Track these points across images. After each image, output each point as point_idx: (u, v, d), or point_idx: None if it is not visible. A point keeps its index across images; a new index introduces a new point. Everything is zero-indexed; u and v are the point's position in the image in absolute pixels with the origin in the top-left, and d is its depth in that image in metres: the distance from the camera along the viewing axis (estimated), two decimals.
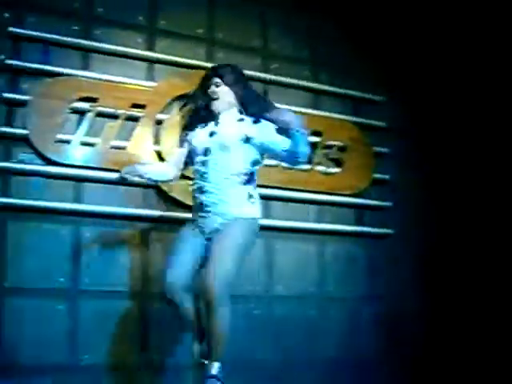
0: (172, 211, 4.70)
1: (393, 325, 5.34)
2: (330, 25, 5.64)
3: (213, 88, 3.70)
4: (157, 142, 4.70)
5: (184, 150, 3.82)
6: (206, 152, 3.61)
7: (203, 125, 3.73)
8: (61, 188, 4.39)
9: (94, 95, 4.51)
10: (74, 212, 4.40)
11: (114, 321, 4.39)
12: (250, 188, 3.62)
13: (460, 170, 5.81)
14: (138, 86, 4.73)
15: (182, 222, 4.55)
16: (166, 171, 3.89)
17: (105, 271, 4.41)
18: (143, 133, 4.64)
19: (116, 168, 4.36)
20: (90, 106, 4.47)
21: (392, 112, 5.74)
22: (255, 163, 3.67)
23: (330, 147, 5.32)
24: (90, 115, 4.48)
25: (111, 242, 4.50)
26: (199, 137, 3.69)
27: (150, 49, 4.86)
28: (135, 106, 4.64)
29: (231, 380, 4.34)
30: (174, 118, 4.66)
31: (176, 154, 3.91)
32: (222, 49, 5.14)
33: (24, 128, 4.30)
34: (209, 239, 3.57)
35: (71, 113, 4.46)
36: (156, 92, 4.75)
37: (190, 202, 4.54)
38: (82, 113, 4.49)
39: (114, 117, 4.55)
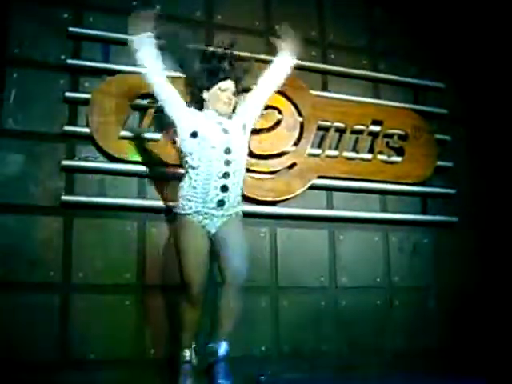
0: None
1: (458, 315, 5.05)
2: (388, 13, 5.40)
3: (230, 94, 3.62)
4: None
5: (181, 104, 3.61)
6: (228, 151, 3.49)
7: (199, 109, 3.65)
8: (125, 184, 4.27)
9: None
10: (139, 208, 4.26)
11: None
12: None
13: None
14: None
15: (246, 216, 4.47)
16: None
17: (170, 266, 4.14)
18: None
19: (178, 163, 4.27)
20: (150, 103, 4.29)
21: (453, 99, 5.48)
22: None
23: (390, 136, 5.06)
24: (150, 111, 4.32)
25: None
26: (208, 128, 3.53)
27: (209, 43, 4.58)
28: None
29: (298, 371, 4.25)
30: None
31: (173, 90, 3.61)
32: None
33: (87, 126, 4.19)
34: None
35: (133, 110, 4.34)
36: None
37: (251, 195, 4.51)
38: (143, 109, 4.35)
39: None
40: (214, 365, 3.35)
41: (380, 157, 4.99)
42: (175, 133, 3.61)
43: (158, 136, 4.33)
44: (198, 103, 3.67)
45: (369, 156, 4.95)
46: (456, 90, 5.50)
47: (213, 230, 3.51)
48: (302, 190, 4.68)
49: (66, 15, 4.32)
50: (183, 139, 3.52)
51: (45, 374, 3.83)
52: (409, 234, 5.09)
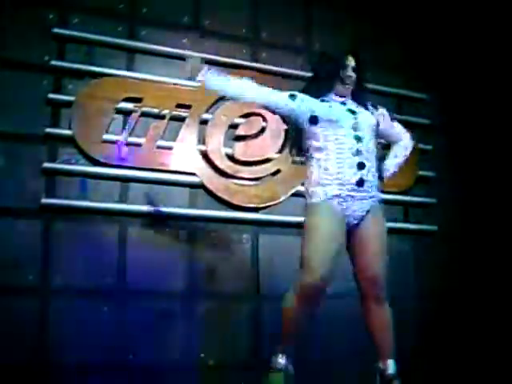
0: (218, 210, 4.32)
1: (437, 322, 4.86)
2: (373, 24, 5.19)
3: (350, 72, 3.19)
4: (202, 141, 4.32)
5: (291, 105, 3.09)
6: (356, 128, 3.05)
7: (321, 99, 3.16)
8: (106, 188, 4.05)
9: (139, 95, 4.18)
10: (120, 212, 4.05)
11: (161, 321, 4.00)
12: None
13: (504, 166, 5.29)
14: (183, 85, 4.33)
15: (228, 221, 4.31)
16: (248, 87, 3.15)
17: (151, 271, 4.02)
18: (188, 133, 4.27)
19: (161, 168, 4.10)
20: (135, 107, 4.13)
21: (435, 109, 5.30)
22: None
23: None
24: (134, 115, 4.13)
25: (157, 241, 4.12)
26: (329, 109, 3.09)
27: (195, 49, 4.40)
28: (180, 105, 4.29)
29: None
30: (218, 118, 4.34)
31: (277, 93, 3.14)
32: (265, 48, 4.74)
33: (69, 129, 3.98)
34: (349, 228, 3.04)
35: (116, 113, 4.13)
36: (201, 92, 4.27)
37: (236, 202, 4.34)
38: (127, 113, 4.15)
39: (159, 117, 4.21)
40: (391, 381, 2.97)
41: None
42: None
43: (140, 140, 4.12)
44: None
45: None
46: (438, 100, 5.34)
47: (353, 220, 3.02)
48: (286, 196, 4.49)
49: (50, 16, 4.10)
50: (304, 128, 3.12)
51: (23, 378, 3.61)
52: (389, 242, 4.86)
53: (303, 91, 3.19)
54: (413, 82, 5.27)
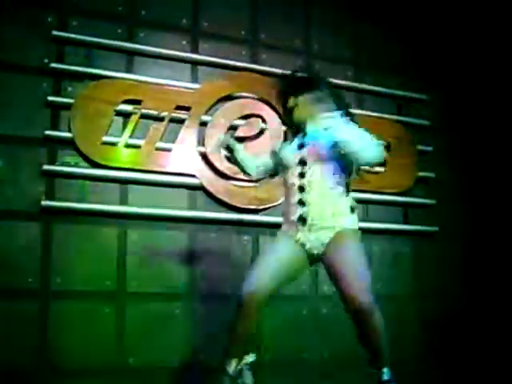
0: (218, 212, 4.33)
1: (438, 322, 4.88)
2: (373, 25, 5.20)
3: (291, 104, 3.18)
4: (201, 143, 4.32)
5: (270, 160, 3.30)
6: (302, 163, 3.03)
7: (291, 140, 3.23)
8: (106, 190, 4.05)
9: (139, 97, 4.17)
10: (120, 214, 4.05)
11: (162, 323, 4.02)
12: (350, 199, 3.06)
13: (503, 167, 5.31)
14: (182, 87, 4.35)
15: (227, 223, 4.34)
16: (254, 163, 3.36)
17: (151, 273, 4.05)
18: (188, 134, 4.27)
19: (161, 170, 4.09)
20: (135, 109, 4.13)
21: (435, 110, 5.30)
22: (350, 172, 3.07)
23: None
24: (134, 117, 4.13)
25: (158, 244, 4.12)
26: (288, 149, 3.15)
27: (194, 51, 4.48)
28: (179, 107, 4.28)
29: (279, 379, 4.04)
30: (218, 120, 4.35)
31: (264, 159, 3.35)
32: (265, 50, 4.73)
33: (69, 131, 3.98)
34: (316, 256, 3.04)
35: (116, 115, 4.12)
36: (200, 94, 4.37)
37: (235, 203, 4.35)
38: (126, 115, 4.15)
39: (159, 119, 4.21)
40: None
41: (362, 167, 4.76)
42: None
43: (139, 142, 4.12)
44: None
45: None
46: (438, 101, 5.34)
47: (316, 252, 3.01)
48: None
49: (50, 19, 4.09)
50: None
51: (23, 381, 3.64)
52: (390, 243, 4.91)
53: None
54: (413, 82, 5.27)
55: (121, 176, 4.08)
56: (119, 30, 4.28)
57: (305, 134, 3.11)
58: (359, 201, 4.59)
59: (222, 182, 4.33)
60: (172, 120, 4.24)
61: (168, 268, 4.12)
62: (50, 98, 3.99)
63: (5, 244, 3.76)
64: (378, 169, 4.83)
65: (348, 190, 3.05)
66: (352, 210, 3.04)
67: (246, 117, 4.46)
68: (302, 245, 3.02)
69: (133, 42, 4.30)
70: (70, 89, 4.07)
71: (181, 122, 4.27)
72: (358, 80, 5.04)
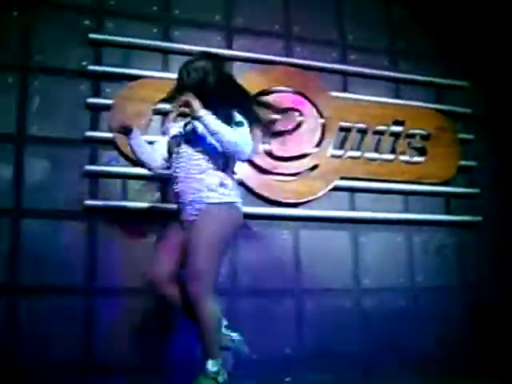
0: (258, 207, 4.38)
1: (484, 313, 4.85)
2: (409, 12, 5.18)
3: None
4: None
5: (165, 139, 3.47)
6: (179, 143, 3.32)
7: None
8: (147, 188, 4.17)
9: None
10: (161, 212, 4.11)
11: None
12: (221, 175, 3.22)
13: None
14: None
15: (267, 218, 4.40)
16: (154, 157, 3.43)
17: None
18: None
19: None
20: (172, 107, 4.18)
21: (476, 98, 5.23)
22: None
23: (413, 136, 4.87)
24: (172, 116, 4.15)
25: None
26: (173, 129, 3.42)
27: (228, 47, 4.54)
28: None
29: (322, 373, 4.10)
30: None
31: (162, 143, 3.49)
32: (299, 43, 4.76)
33: (109, 131, 4.05)
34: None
35: (154, 114, 4.21)
36: None
37: (275, 198, 4.40)
38: (164, 114, 4.22)
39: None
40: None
41: (402, 157, 4.78)
42: None
43: None
44: None
45: (391, 157, 4.75)
46: (480, 88, 5.26)
47: (184, 219, 3.27)
48: (325, 191, 4.52)
49: (87, 22, 4.20)
50: None
51: (70, 377, 3.71)
52: (432, 235, 4.88)
53: None
54: (452, 69, 5.23)
55: (161, 174, 4.09)
56: (154, 30, 4.36)
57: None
58: (399, 192, 4.79)
59: (262, 176, 4.37)
60: None
61: None
62: (90, 100, 4.08)
63: (51, 243, 3.89)
64: (418, 159, 4.83)
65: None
66: (221, 184, 3.20)
67: (283, 111, 4.43)
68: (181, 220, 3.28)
69: (168, 41, 4.37)
70: (108, 90, 4.15)
71: None
72: (394, 69, 5.02)
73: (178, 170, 3.26)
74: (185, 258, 3.09)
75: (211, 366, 2.97)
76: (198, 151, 3.22)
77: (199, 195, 3.17)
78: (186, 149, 3.26)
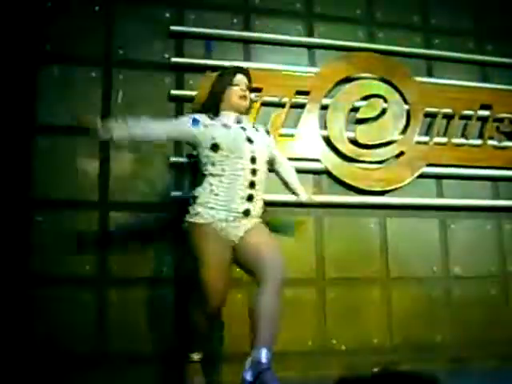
0: (344, 195, 4.09)
1: None
2: None
3: (244, 88, 3.19)
4: (324, 126, 4.10)
5: (194, 131, 3.09)
6: (254, 160, 3.05)
7: (212, 117, 3.14)
8: None
9: (259, 85, 3.94)
10: None
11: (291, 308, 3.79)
12: None
13: None
14: (301, 72, 4.15)
15: (354, 207, 4.11)
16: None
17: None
18: (309, 119, 4.06)
19: (286, 156, 3.84)
20: (256, 96, 3.93)
21: None
22: None
23: (501, 120, 4.47)
24: (255, 105, 3.94)
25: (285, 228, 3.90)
26: (226, 133, 3.07)
27: (310, 34, 4.28)
28: (299, 92, 4.08)
29: (411, 362, 3.77)
30: (339, 102, 4.13)
31: (178, 124, 3.17)
32: (381, 28, 4.45)
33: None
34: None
35: None
36: (319, 77, 4.15)
37: (361, 186, 4.10)
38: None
39: (280, 105, 4.02)
40: (261, 374, 2.69)
41: (490, 142, 4.41)
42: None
43: None
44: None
45: (479, 142, 4.39)
46: None
47: (236, 240, 3.02)
48: (411, 178, 4.20)
49: (167, 15, 4.02)
50: (202, 152, 3.10)
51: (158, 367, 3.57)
52: (498, 222, 4.46)
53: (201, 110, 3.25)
54: None
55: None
56: (235, 20, 4.15)
57: (244, 128, 3.14)
58: (488, 178, 4.42)
59: (347, 164, 4.10)
60: (293, 106, 4.03)
61: (300, 253, 3.92)
62: (174, 92, 3.91)
63: (138, 234, 3.73)
64: (507, 143, 4.44)
65: None
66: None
67: (366, 97, 4.20)
68: (227, 237, 3.02)
69: (249, 30, 4.15)
70: (191, 82, 3.96)
71: (302, 106, 4.06)
72: (480, 52, 4.65)
73: (253, 189, 3.07)
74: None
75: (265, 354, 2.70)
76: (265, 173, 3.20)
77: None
78: (262, 168, 3.13)
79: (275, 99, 4.01)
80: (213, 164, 3.03)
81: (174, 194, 3.76)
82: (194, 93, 3.89)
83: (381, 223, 4.17)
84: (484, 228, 4.40)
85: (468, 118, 4.41)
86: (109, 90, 3.85)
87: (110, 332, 3.58)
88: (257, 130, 3.21)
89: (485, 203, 4.40)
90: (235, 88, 3.16)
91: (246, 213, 3.01)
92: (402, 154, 4.22)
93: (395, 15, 4.46)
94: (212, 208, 2.98)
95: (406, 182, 4.19)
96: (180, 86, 3.96)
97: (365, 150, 4.15)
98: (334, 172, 4.06)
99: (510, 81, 4.62)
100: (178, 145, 3.88)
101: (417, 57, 4.44)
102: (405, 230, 4.19)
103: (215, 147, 3.01)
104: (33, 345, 3.43)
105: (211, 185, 3.01)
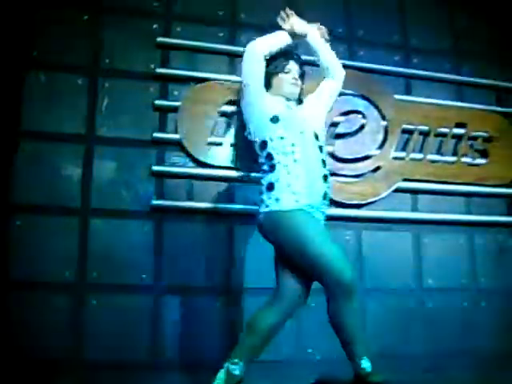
0: None
1: None
2: (471, 15, 4.80)
3: (296, 76, 3.01)
4: None
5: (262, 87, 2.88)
6: (317, 137, 2.85)
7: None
8: (213, 189, 3.89)
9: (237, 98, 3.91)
10: (227, 212, 3.87)
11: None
12: None
13: None
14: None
15: (330, 219, 3.98)
16: None
17: (255, 268, 3.79)
18: None
19: None
20: (237, 109, 3.92)
21: None
22: None
23: (475, 138, 4.50)
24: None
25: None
26: (289, 112, 2.88)
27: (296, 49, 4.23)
28: None
29: (385, 372, 3.75)
30: None
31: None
32: (362, 46, 4.45)
33: (176, 133, 3.86)
34: None
35: (220, 116, 3.95)
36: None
37: (338, 199, 4.07)
38: (229, 116, 3.97)
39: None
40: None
41: (464, 159, 4.44)
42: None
43: None
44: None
45: (453, 159, 4.41)
46: None
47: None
48: (387, 192, 4.21)
49: (154, 26, 4.00)
50: (262, 125, 2.82)
51: (136, 374, 3.46)
52: (494, 236, 4.50)
53: None
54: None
55: (226, 175, 3.91)
56: (220, 34, 4.13)
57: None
58: (461, 193, 4.44)
59: None
60: None
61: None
62: (158, 102, 3.89)
63: (119, 242, 3.67)
64: (480, 161, 4.48)
65: None
66: None
67: (345, 113, 4.19)
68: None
69: (234, 44, 4.12)
70: (175, 92, 3.94)
71: None
72: (457, 72, 4.66)
73: (325, 167, 2.82)
74: None
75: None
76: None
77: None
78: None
79: None
80: (280, 137, 2.78)
81: (155, 202, 3.74)
82: (177, 103, 3.88)
83: (357, 236, 4.16)
84: (456, 242, 4.40)
85: (443, 135, 4.43)
86: (94, 98, 3.81)
87: (87, 339, 3.52)
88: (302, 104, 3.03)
89: (458, 218, 4.41)
90: (287, 76, 2.98)
91: (325, 196, 2.77)
92: (378, 168, 4.23)
93: (376, 34, 4.47)
94: (296, 192, 2.69)
95: (382, 196, 4.19)
96: (164, 96, 3.92)
97: (343, 164, 4.15)
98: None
99: (484, 100, 4.65)
100: (160, 153, 3.85)
101: (396, 75, 4.44)
102: (380, 243, 4.18)
103: (275, 119, 2.80)
104: (7, 350, 3.36)
105: (286, 166, 2.73)
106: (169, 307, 3.69)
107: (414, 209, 4.33)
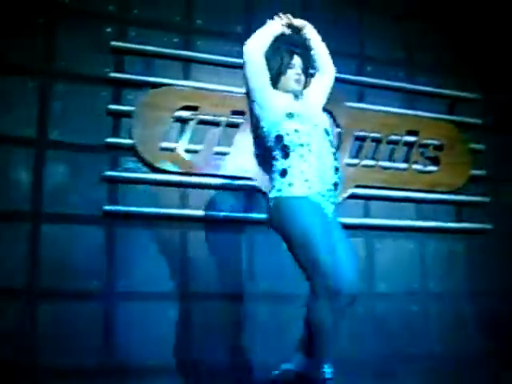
0: None
1: (494, 321, 4.53)
2: (425, 25, 4.84)
3: (299, 71, 2.94)
4: None
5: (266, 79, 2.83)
6: (328, 133, 2.83)
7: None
8: (166, 194, 3.84)
9: (195, 104, 3.94)
10: (180, 217, 3.83)
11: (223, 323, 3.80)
12: None
13: None
14: (237, 93, 4.02)
15: None
16: None
17: (210, 273, 3.82)
18: (244, 138, 3.97)
19: (219, 173, 3.89)
20: (192, 115, 3.91)
21: (487, 109, 4.92)
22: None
23: (426, 146, 4.58)
24: (192, 123, 3.92)
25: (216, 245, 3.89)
26: (301, 108, 2.85)
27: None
28: (235, 112, 4.02)
29: (335, 376, 3.75)
30: None
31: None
32: None
33: (130, 138, 3.80)
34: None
35: (174, 121, 3.91)
36: None
37: None
38: (184, 121, 3.93)
39: (215, 124, 3.98)
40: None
41: (415, 166, 4.51)
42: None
43: (198, 147, 3.91)
44: None
45: (405, 165, 4.48)
46: (491, 100, 4.94)
47: (330, 215, 2.75)
48: (340, 199, 4.17)
49: (108, 30, 3.91)
50: (277, 122, 2.76)
51: (88, 381, 3.44)
52: (444, 242, 4.58)
53: None
54: (463, 82, 4.90)
55: (180, 180, 3.87)
56: (176, 40, 4.07)
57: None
58: (412, 200, 4.49)
59: None
60: (228, 125, 4.00)
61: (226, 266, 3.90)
62: (111, 107, 3.81)
63: (70, 247, 3.59)
64: (431, 168, 4.55)
65: None
66: None
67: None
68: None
69: (189, 50, 4.08)
70: (130, 97, 3.87)
71: (236, 126, 4.02)
72: (409, 81, 4.71)
73: (336, 160, 2.81)
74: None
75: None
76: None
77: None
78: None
79: (211, 118, 3.95)
80: (296, 131, 2.73)
81: (107, 207, 3.67)
82: (131, 108, 3.82)
83: None
84: (407, 247, 4.47)
85: (395, 142, 4.47)
86: (46, 101, 3.71)
87: (39, 345, 3.44)
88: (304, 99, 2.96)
89: (409, 223, 4.47)
90: (291, 71, 2.90)
91: (336, 186, 2.75)
92: None
93: (333, 43, 4.45)
94: (307, 180, 2.67)
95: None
96: (118, 101, 3.85)
97: None
98: (267, 190, 4.01)
99: (436, 109, 4.72)
100: (113, 158, 3.78)
101: (349, 83, 4.45)
102: None
103: (290, 115, 2.76)
104: None
105: (302, 155, 2.70)
106: (121, 312, 3.63)
107: (367, 215, 4.37)
